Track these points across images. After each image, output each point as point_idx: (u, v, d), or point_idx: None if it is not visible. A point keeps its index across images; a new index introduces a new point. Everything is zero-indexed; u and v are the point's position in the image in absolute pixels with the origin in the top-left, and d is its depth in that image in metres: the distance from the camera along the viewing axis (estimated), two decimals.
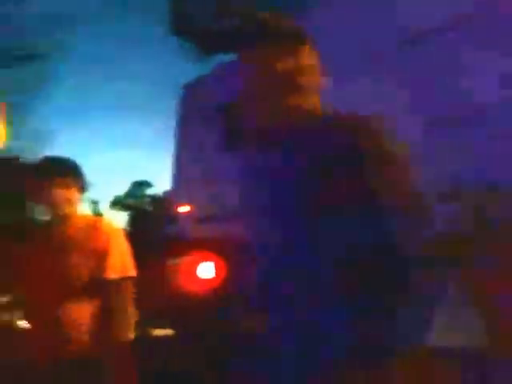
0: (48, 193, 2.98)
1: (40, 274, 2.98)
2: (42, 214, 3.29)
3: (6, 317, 10.33)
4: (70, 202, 3.00)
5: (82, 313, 2.92)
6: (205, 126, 7.74)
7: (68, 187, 2.99)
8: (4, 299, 10.39)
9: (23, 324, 10.41)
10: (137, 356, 3.08)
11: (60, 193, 2.96)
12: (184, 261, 7.30)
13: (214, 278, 6.74)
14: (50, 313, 2.93)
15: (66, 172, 3.02)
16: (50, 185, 2.98)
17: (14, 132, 21.48)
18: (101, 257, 2.94)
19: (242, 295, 6.04)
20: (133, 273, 3.03)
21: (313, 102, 1.79)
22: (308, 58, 1.77)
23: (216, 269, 6.73)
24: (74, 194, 3.02)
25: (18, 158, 21.71)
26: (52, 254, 2.97)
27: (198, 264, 6.92)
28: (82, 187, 3.10)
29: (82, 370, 2.87)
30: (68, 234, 2.98)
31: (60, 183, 2.97)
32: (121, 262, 2.97)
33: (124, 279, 2.98)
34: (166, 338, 7.62)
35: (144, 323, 7.97)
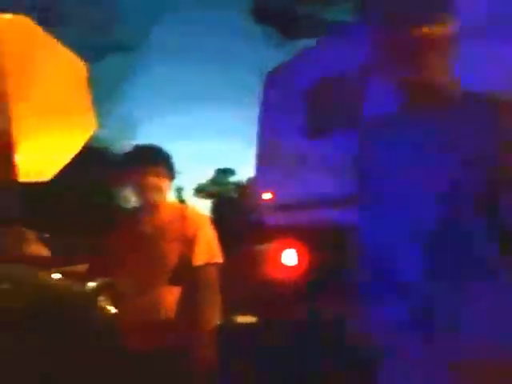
0: (139, 181, 3.01)
1: (131, 261, 3.02)
2: (130, 202, 3.34)
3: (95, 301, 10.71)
4: (160, 189, 3.02)
5: (170, 299, 2.94)
6: (289, 113, 7.69)
7: (159, 175, 3.01)
8: (92, 284, 10.76)
9: (111, 309, 10.72)
10: (221, 342, 3.07)
11: (151, 181, 2.98)
12: (268, 248, 7.29)
13: (296, 265, 6.69)
14: (141, 299, 2.96)
15: (158, 160, 3.03)
16: (141, 173, 3.00)
17: (102, 121, 22.14)
18: (188, 243, 2.95)
19: (326, 281, 6.00)
20: (219, 259, 3.02)
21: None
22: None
23: (298, 256, 6.69)
24: (164, 182, 3.04)
25: (105, 148, 22.37)
26: (142, 240, 3.00)
27: (283, 251, 6.89)
28: (172, 175, 3.12)
29: (173, 356, 2.88)
30: (157, 221, 3.01)
31: (151, 171, 2.99)
32: (207, 249, 2.97)
33: (210, 265, 2.97)
34: (249, 325, 7.64)
35: (229, 310, 8.06)
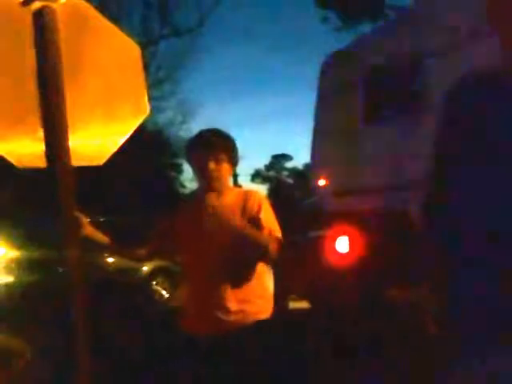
0: (200, 166, 3.01)
1: (194, 246, 3.02)
2: (194, 186, 3.35)
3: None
4: (220, 175, 3.01)
5: (238, 284, 2.95)
6: (345, 99, 7.60)
7: (219, 161, 3.00)
8: (146, 269, 10.91)
9: (162, 292, 10.79)
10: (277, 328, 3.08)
11: (211, 166, 2.98)
12: (323, 234, 7.24)
13: (348, 252, 6.64)
14: (209, 282, 2.97)
15: (219, 146, 3.02)
16: (202, 158, 3.01)
17: (162, 105, 22.33)
18: (254, 224, 2.94)
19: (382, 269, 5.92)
20: (280, 235, 3.00)
21: None
22: None
23: (351, 243, 6.63)
24: (224, 167, 3.03)
25: (161, 133, 22.58)
26: (205, 224, 2.99)
27: (337, 238, 6.84)
28: (234, 161, 3.11)
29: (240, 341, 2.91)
30: (222, 205, 3.00)
31: (212, 157, 2.99)
32: (270, 226, 2.97)
33: (273, 241, 2.95)
34: (302, 311, 7.63)
35: (283, 294, 8.08)
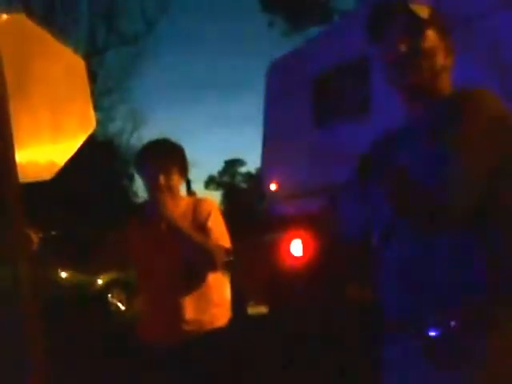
0: (149, 178, 3.01)
1: (146, 258, 3.01)
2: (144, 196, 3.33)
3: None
4: (170, 186, 3.00)
5: (192, 294, 2.94)
6: (295, 102, 7.67)
7: (168, 172, 2.98)
8: (100, 282, 10.80)
9: (118, 304, 10.67)
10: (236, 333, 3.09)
11: (161, 179, 2.97)
12: (276, 238, 7.29)
13: (303, 255, 6.70)
14: (164, 293, 2.96)
15: (170, 157, 3.02)
16: (150, 170, 3.01)
17: (111, 114, 22.13)
18: (202, 232, 2.94)
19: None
20: (228, 245, 3.02)
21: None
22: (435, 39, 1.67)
23: (304, 246, 6.70)
24: (177, 177, 3.04)
25: (111, 142, 22.38)
26: (156, 236, 2.99)
27: (291, 241, 6.90)
28: (184, 171, 3.11)
29: (198, 350, 2.91)
30: (173, 214, 2.99)
31: (161, 168, 2.98)
32: (218, 236, 2.97)
33: (221, 250, 2.96)
34: (260, 316, 7.66)
35: (241, 301, 8.09)
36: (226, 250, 2.98)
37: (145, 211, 3.11)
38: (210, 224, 2.97)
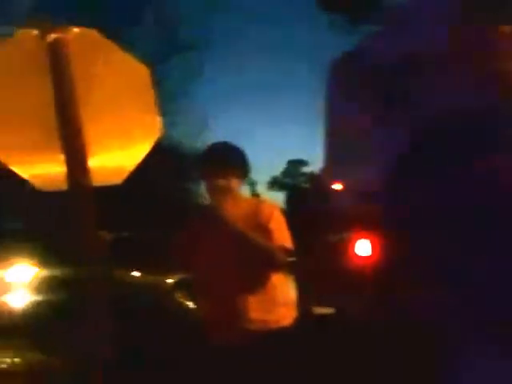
0: (209, 182, 3.08)
1: (214, 257, 3.05)
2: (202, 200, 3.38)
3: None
4: (229, 190, 3.04)
5: (252, 292, 2.98)
6: (355, 100, 7.65)
7: (227, 177, 3.03)
8: (170, 281, 11.00)
9: (190, 304, 10.89)
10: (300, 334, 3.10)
11: (220, 182, 3.01)
12: (342, 238, 7.28)
13: (370, 255, 6.66)
14: (226, 293, 3.01)
15: (226, 162, 3.06)
16: (210, 175, 3.07)
17: (175, 119, 22.52)
18: (263, 234, 2.98)
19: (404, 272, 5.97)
20: (291, 246, 3.05)
21: None
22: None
23: (372, 247, 6.66)
24: (233, 182, 3.06)
25: (177, 147, 22.72)
26: (219, 238, 3.03)
27: (357, 241, 6.88)
28: (244, 174, 3.14)
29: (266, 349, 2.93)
30: (234, 217, 3.02)
31: (220, 173, 3.03)
32: (279, 237, 3.01)
33: (282, 252, 3.00)
34: (327, 316, 7.67)
35: (306, 301, 8.11)
36: (287, 251, 3.01)
37: (207, 214, 3.17)
38: (271, 226, 3.00)
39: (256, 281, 3.00)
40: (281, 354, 2.96)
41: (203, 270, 3.17)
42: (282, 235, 3.03)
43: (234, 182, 3.07)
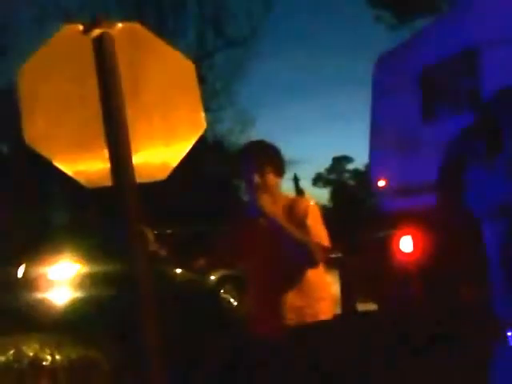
0: (249, 179, 3.10)
1: (255, 253, 3.10)
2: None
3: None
4: (266, 187, 3.07)
5: (290, 287, 3.01)
6: (402, 97, 7.55)
7: (264, 174, 3.06)
8: (213, 278, 11.08)
9: (231, 300, 10.91)
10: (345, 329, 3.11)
11: (257, 179, 3.05)
12: (387, 235, 7.22)
13: (412, 251, 6.60)
14: (267, 288, 3.05)
15: (262, 159, 3.08)
16: (247, 172, 3.10)
17: (220, 116, 22.63)
18: (301, 230, 2.98)
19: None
20: (327, 243, 3.06)
21: None
22: None
23: (414, 242, 6.59)
24: (272, 178, 3.10)
25: (221, 143, 22.85)
26: (260, 231, 3.06)
27: (401, 238, 6.82)
28: (280, 171, 3.17)
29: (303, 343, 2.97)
30: (273, 213, 3.06)
31: (257, 170, 3.06)
32: (316, 234, 3.00)
33: (318, 248, 3.00)
34: (371, 313, 7.61)
35: (350, 297, 8.07)
36: (325, 248, 3.02)
37: (247, 210, 3.19)
38: (308, 222, 3.01)
39: (294, 276, 3.03)
40: (317, 349, 2.98)
41: (247, 266, 3.23)
42: (319, 232, 3.05)
43: (270, 179, 3.09)
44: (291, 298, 3.00)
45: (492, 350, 1.69)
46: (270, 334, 3.05)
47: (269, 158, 3.12)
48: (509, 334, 1.55)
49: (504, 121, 1.70)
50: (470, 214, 1.81)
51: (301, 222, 3.01)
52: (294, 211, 3.06)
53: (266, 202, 3.03)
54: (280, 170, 3.17)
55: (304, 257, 2.96)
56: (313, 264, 3.00)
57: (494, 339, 1.72)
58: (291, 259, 2.96)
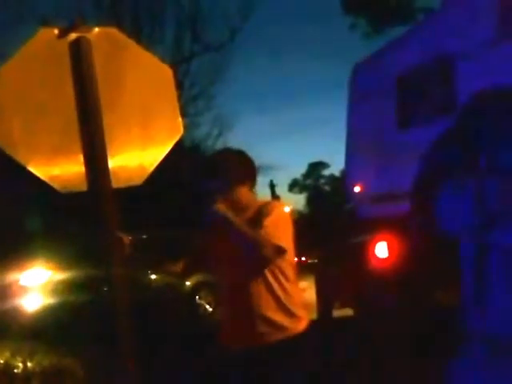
0: (214, 190, 3.06)
1: (222, 259, 3.04)
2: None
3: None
4: (235, 195, 2.99)
5: (262, 294, 2.93)
6: (378, 102, 7.61)
7: (220, 179, 2.97)
8: (189, 283, 11.06)
9: (206, 306, 10.82)
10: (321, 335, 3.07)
11: (226, 189, 2.98)
12: (362, 240, 7.26)
13: (388, 257, 6.64)
14: (232, 294, 2.99)
15: (228, 169, 3.00)
16: (209, 182, 3.06)
17: (197, 120, 22.58)
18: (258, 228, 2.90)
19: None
20: (281, 244, 2.91)
21: None
22: None
23: (389, 249, 6.63)
24: (239, 187, 3.01)
25: (198, 147, 22.81)
26: (221, 235, 2.96)
27: (377, 244, 6.86)
28: (248, 177, 3.08)
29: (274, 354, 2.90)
30: (242, 220, 3.02)
31: (224, 180, 2.98)
32: (271, 234, 2.88)
33: (273, 247, 2.89)
34: (346, 318, 7.63)
35: (326, 303, 8.09)
36: (276, 247, 2.90)
37: (211, 216, 3.12)
38: (266, 222, 2.91)
39: (258, 283, 2.94)
40: (290, 359, 2.91)
41: (219, 273, 3.16)
42: (277, 233, 2.92)
43: (238, 188, 3.03)
44: (258, 307, 2.92)
45: (451, 362, 1.71)
46: (234, 343, 2.99)
47: (232, 167, 3.03)
48: (470, 347, 1.58)
49: (482, 125, 1.72)
50: (443, 233, 1.84)
51: (257, 221, 2.93)
52: (259, 214, 2.98)
53: (220, 205, 2.96)
54: (246, 177, 3.09)
55: (251, 252, 2.87)
56: (261, 260, 2.90)
57: (455, 350, 1.75)
58: (241, 255, 2.88)
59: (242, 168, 3.07)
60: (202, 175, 3.11)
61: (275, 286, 2.95)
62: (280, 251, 2.91)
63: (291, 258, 3.02)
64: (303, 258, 12.22)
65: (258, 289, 2.93)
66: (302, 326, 2.99)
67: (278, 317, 2.93)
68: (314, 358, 3.04)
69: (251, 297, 2.93)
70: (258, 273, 2.94)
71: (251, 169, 3.15)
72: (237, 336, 3.00)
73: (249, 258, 2.91)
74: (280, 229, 2.97)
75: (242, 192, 3.06)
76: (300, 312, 3.01)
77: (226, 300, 3.11)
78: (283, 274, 2.97)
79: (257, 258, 2.90)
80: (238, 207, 3.01)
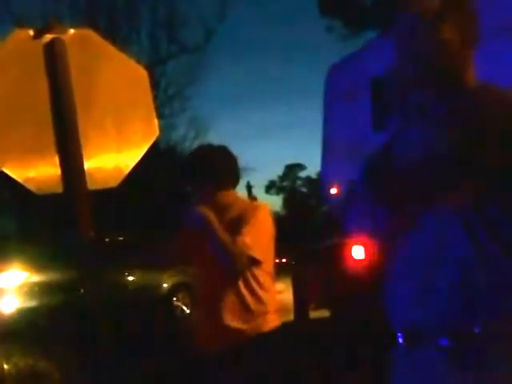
0: (192, 191, 3.07)
1: (198, 260, 3.04)
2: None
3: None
4: (205, 197, 2.99)
5: (231, 300, 2.91)
6: (354, 104, 7.65)
7: (207, 184, 2.98)
8: (166, 285, 11.03)
9: (183, 307, 10.79)
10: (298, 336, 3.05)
11: (202, 191, 3.00)
12: (338, 242, 7.29)
13: (364, 258, 6.68)
14: (207, 297, 2.99)
15: (204, 170, 2.98)
16: (189, 183, 3.08)
17: (173, 122, 22.52)
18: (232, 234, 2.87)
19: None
20: (253, 253, 2.87)
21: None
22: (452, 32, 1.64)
23: (365, 250, 6.67)
24: (210, 189, 2.99)
25: (174, 149, 22.74)
26: (199, 236, 2.94)
27: (353, 245, 6.88)
28: (226, 178, 3.03)
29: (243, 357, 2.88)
30: (223, 220, 3.00)
31: (199, 182, 3.00)
32: (252, 243, 2.85)
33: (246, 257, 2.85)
34: (322, 320, 7.66)
35: (303, 304, 8.11)
36: (253, 260, 2.88)
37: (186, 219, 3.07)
38: (246, 229, 2.87)
39: (233, 286, 2.92)
40: (261, 360, 2.90)
41: (196, 273, 3.16)
42: (256, 242, 2.89)
43: (209, 191, 3.01)
44: (230, 309, 2.90)
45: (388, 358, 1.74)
46: (208, 344, 2.97)
47: (208, 169, 3.01)
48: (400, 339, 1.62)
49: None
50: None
51: (238, 226, 2.88)
52: (242, 216, 2.94)
53: (203, 208, 2.92)
54: (224, 179, 3.05)
55: (225, 263, 2.85)
56: (234, 271, 2.88)
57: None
58: (216, 259, 2.85)
59: (225, 166, 3.04)
60: (183, 174, 3.10)
61: (245, 293, 2.92)
62: (254, 263, 2.88)
63: (268, 267, 2.99)
64: (282, 260, 12.28)
65: (228, 294, 2.91)
66: (268, 326, 2.96)
67: (245, 325, 2.90)
68: (288, 358, 3.05)
69: (221, 302, 2.91)
70: (230, 280, 2.92)
71: (234, 166, 3.11)
72: (211, 337, 2.98)
73: (222, 265, 2.88)
74: (260, 237, 2.93)
75: (225, 191, 3.04)
76: (270, 319, 2.98)
77: (201, 301, 3.12)
78: (257, 281, 2.94)
79: (230, 269, 2.88)
80: (220, 207, 2.98)
